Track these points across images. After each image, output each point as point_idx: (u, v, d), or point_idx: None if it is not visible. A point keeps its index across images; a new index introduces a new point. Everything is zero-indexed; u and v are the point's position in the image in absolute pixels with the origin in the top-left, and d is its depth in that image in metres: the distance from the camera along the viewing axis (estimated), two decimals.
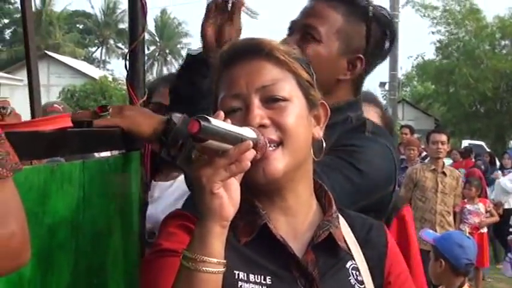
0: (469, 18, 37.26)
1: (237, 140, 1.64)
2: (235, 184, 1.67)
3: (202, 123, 1.52)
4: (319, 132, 2.00)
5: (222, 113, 1.71)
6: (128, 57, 3.11)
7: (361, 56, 2.65)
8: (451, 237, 6.03)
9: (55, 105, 7.65)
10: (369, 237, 2.06)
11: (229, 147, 1.62)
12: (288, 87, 1.91)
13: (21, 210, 1.48)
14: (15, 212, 1.47)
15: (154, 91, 3.48)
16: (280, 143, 1.86)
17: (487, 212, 12.56)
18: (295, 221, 1.95)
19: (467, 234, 8.26)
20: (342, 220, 2.02)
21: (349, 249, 1.98)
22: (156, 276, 1.85)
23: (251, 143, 1.67)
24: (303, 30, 2.62)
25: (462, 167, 15.70)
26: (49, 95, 36.76)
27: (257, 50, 1.92)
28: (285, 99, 1.89)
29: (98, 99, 37.85)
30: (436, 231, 7.69)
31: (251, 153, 1.67)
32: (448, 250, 5.62)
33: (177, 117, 2.53)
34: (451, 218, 9.90)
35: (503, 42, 37.11)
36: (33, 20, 3.53)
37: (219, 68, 2.01)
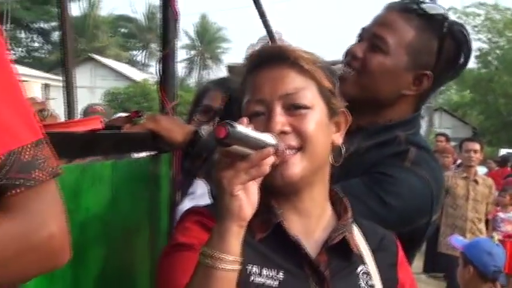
0: (510, 27, 36.91)
1: (258, 145, 1.67)
2: (254, 187, 1.70)
3: (230, 129, 1.55)
4: (338, 138, 2.01)
5: (245, 119, 1.72)
6: (160, 63, 3.15)
7: (429, 72, 2.58)
8: (479, 245, 6.00)
9: (95, 106, 7.82)
10: (381, 245, 2.10)
11: (251, 152, 1.65)
12: (309, 96, 1.92)
13: (61, 213, 1.49)
14: (55, 214, 1.48)
15: (204, 94, 3.45)
16: (299, 149, 1.89)
17: None
18: (308, 222, 1.99)
19: (497, 241, 8.27)
20: (355, 227, 2.06)
21: (361, 254, 2.02)
22: (172, 269, 1.89)
23: (272, 149, 1.70)
24: (371, 39, 2.58)
25: (498, 175, 15.57)
26: (93, 97, 36.89)
27: (283, 57, 1.94)
28: (306, 107, 1.91)
29: (140, 101, 37.95)
30: (466, 237, 7.65)
31: (271, 159, 1.70)
32: (476, 257, 5.60)
33: (205, 129, 2.55)
34: (482, 225, 9.81)
35: None
36: (69, 24, 3.59)
37: (246, 72, 2.03)
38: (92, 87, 42.22)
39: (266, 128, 1.85)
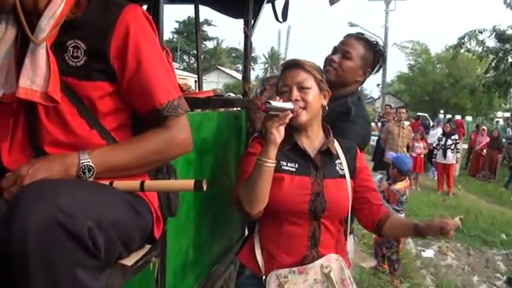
0: (423, 53, 35.76)
1: (283, 109, 1.76)
2: (282, 128, 1.77)
3: (267, 105, 1.68)
4: (324, 102, 2.00)
5: (277, 97, 1.81)
6: (243, 68, 3.16)
7: (369, 69, 2.54)
8: (400, 157, 6.03)
9: (214, 89, 7.74)
10: (348, 150, 2.06)
11: (279, 113, 1.74)
12: (310, 82, 1.94)
13: (189, 129, 1.49)
14: (187, 129, 1.47)
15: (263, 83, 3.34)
16: (304, 108, 1.92)
17: (424, 148, 12.25)
18: (311, 141, 1.99)
19: (409, 156, 8.21)
20: (336, 142, 2.04)
21: (338, 155, 2.02)
22: (245, 164, 1.93)
23: (290, 112, 1.78)
24: (342, 52, 2.50)
25: (414, 125, 15.19)
26: (218, 85, 36.76)
27: (297, 64, 1.97)
28: (308, 88, 1.93)
29: (240, 90, 37.66)
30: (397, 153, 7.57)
31: (289, 115, 1.77)
32: (398, 163, 5.62)
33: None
34: (405, 149, 9.58)
35: (438, 66, 35.56)
36: (200, 48, 3.56)
37: (281, 70, 2.04)
38: (217, 82, 42.00)
39: (289, 97, 1.90)
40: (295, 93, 1.91)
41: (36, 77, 1.29)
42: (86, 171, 1.29)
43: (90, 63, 1.33)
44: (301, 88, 1.92)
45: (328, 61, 2.54)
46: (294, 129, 1.93)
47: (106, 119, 1.40)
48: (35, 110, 1.35)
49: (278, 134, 1.76)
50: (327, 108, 2.04)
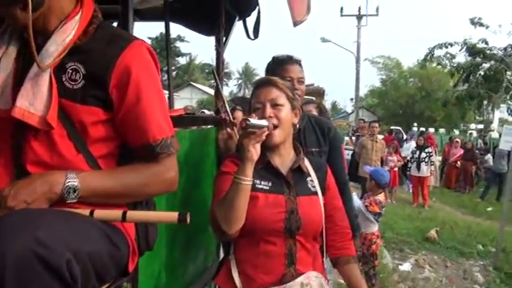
0: (395, 67, 36.51)
1: (260, 127, 1.80)
2: (258, 146, 1.80)
3: (248, 123, 1.72)
4: (295, 120, 2.06)
5: (254, 115, 1.86)
6: (216, 85, 3.08)
7: None
8: (377, 170, 6.02)
9: (188, 107, 7.77)
10: (319, 168, 2.11)
11: (256, 130, 1.78)
12: (283, 100, 1.99)
13: (177, 167, 1.52)
14: (175, 167, 1.50)
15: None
16: (277, 126, 1.96)
17: (398, 161, 12.41)
18: (282, 159, 2.03)
19: (386, 170, 8.26)
20: (306, 160, 2.10)
21: (309, 172, 2.06)
22: (219, 184, 1.94)
23: (266, 129, 1.83)
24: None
25: (388, 139, 15.34)
26: (192, 102, 36.75)
27: (270, 82, 2.02)
28: (282, 105, 1.98)
29: (213, 105, 37.52)
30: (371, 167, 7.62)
31: (266, 133, 1.83)
32: (376, 176, 5.63)
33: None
34: (379, 163, 9.76)
35: (410, 79, 36.26)
36: (171, 65, 3.56)
37: (254, 87, 2.08)
38: (191, 99, 41.95)
39: (262, 114, 1.94)
40: (269, 110, 1.95)
41: (36, 100, 1.30)
42: (71, 191, 1.29)
43: (88, 87, 1.34)
44: (275, 105, 1.97)
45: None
46: (266, 148, 1.94)
47: (95, 146, 1.40)
48: (24, 127, 1.33)
49: (255, 151, 1.79)
50: (298, 126, 2.09)
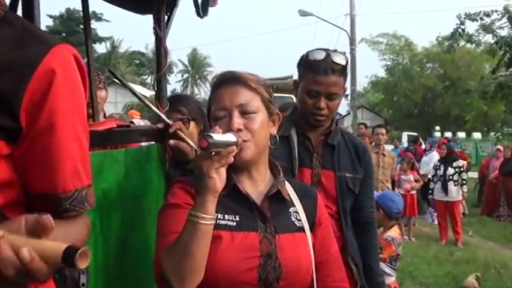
0: (405, 49, 36.97)
1: (226, 145, 1.77)
2: (223, 170, 1.79)
3: (210, 141, 1.68)
4: (273, 130, 2.10)
5: (218, 128, 1.82)
6: (155, 82, 3.18)
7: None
8: (386, 195, 6.13)
9: (113, 115, 7.73)
10: (306, 194, 2.16)
11: (221, 149, 1.75)
12: (256, 104, 2.01)
13: (89, 223, 1.56)
14: (88, 224, 1.54)
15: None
16: (249, 141, 1.97)
17: (415, 180, 12.41)
18: (255, 183, 2.07)
19: (399, 194, 8.38)
20: (287, 184, 2.14)
21: (291, 200, 2.10)
22: (166, 220, 1.96)
23: (235, 147, 1.80)
24: (326, 95, 2.83)
25: (413, 152, 15.37)
26: (116, 109, 36.30)
27: (237, 79, 2.03)
28: (253, 112, 1.99)
29: (148, 111, 36.88)
30: (377, 192, 7.68)
31: (234, 152, 1.79)
32: (384, 203, 5.68)
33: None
34: (388, 184, 9.83)
35: (428, 65, 36.72)
36: (93, 57, 3.52)
37: (212, 88, 2.09)
38: (115, 102, 41.57)
39: (228, 126, 1.94)
40: (237, 121, 1.97)
41: None
42: None
43: None
44: (245, 113, 2.00)
45: (315, 109, 2.82)
46: (232, 167, 1.93)
47: None
48: None
49: (219, 178, 1.78)
50: (277, 138, 2.14)
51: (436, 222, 13.20)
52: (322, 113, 2.85)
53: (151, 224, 2.68)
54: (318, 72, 2.81)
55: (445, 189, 12.12)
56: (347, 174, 2.83)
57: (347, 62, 2.89)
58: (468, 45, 22.42)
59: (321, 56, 2.84)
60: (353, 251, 2.90)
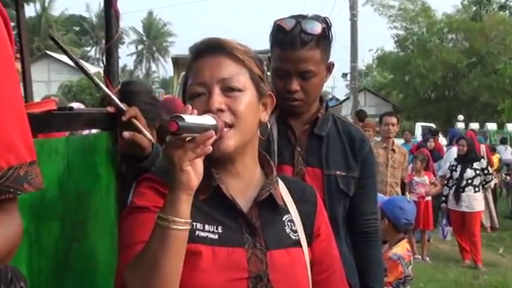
0: (421, 15, 36.99)
1: (202, 129, 1.73)
2: (199, 162, 1.76)
3: (180, 123, 1.62)
4: (265, 116, 2.11)
5: (189, 107, 1.78)
6: (104, 55, 3.17)
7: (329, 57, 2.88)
8: (393, 201, 6.13)
9: (51, 97, 7.71)
10: (303, 197, 2.18)
11: (195, 135, 1.71)
12: (242, 80, 2.00)
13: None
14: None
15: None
16: (232, 126, 1.95)
17: (431, 183, 12.40)
18: (241, 183, 2.06)
19: (410, 200, 8.42)
20: (281, 183, 2.14)
21: (285, 205, 2.10)
22: (131, 228, 1.93)
23: (213, 132, 1.76)
24: (298, 73, 2.78)
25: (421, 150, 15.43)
26: (50, 89, 36.18)
27: (221, 47, 2.02)
28: (239, 90, 1.98)
29: (93, 92, 36.86)
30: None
31: (212, 138, 1.75)
32: (390, 211, 5.69)
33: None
34: (398, 189, 9.85)
35: (450, 36, 36.75)
36: (25, 25, 3.54)
37: (191, 59, 2.09)
38: (48, 81, 41.32)
39: (206, 105, 1.93)
40: (218, 99, 1.97)
41: None
42: None
43: None
44: (228, 90, 2.00)
45: (287, 93, 2.80)
46: (212, 162, 1.98)
47: None
48: None
49: (195, 171, 1.77)
50: (269, 126, 2.17)
51: (448, 238, 13.17)
52: (295, 97, 2.83)
53: (99, 231, 2.77)
54: (284, 46, 2.79)
55: (457, 196, 12.01)
56: (337, 172, 2.83)
57: (324, 29, 2.85)
58: (501, 12, 22.56)
59: (289, 25, 2.81)
60: (347, 267, 2.71)
